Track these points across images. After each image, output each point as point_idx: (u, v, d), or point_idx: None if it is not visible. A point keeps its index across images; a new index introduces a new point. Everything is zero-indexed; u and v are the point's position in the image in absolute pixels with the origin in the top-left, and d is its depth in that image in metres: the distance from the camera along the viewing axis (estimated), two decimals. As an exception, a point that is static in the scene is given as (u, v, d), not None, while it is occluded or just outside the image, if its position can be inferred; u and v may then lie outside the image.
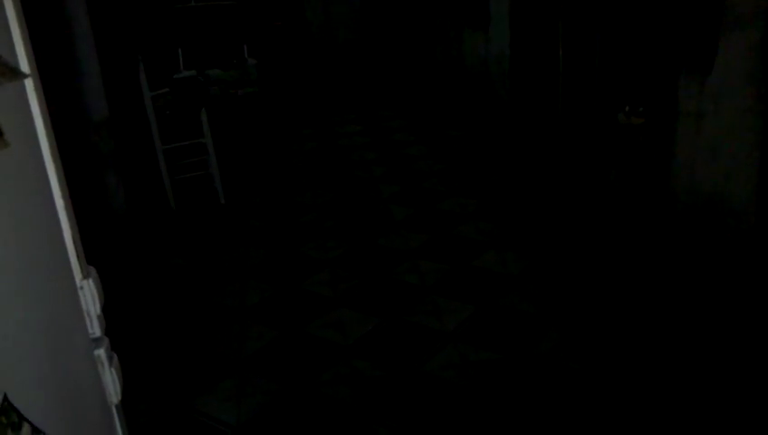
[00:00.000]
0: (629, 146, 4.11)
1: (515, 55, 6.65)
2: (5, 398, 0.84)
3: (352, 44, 10.01)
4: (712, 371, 3.02)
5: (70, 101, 4.61)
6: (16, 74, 0.98)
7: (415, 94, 9.32)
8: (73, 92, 4.64)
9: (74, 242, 1.15)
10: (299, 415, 2.99)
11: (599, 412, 2.84)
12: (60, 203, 1.11)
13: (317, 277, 4.26)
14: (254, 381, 3.25)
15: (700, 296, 3.55)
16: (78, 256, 1.16)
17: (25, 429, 0.88)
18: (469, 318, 3.64)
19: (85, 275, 1.20)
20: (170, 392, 3.22)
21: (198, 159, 5.66)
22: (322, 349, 3.48)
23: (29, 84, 1.05)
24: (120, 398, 1.29)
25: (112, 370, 1.25)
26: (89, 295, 1.20)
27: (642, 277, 3.85)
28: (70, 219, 1.13)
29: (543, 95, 6.01)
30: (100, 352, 1.23)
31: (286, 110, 8.81)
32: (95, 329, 1.22)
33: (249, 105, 7.31)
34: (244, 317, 3.86)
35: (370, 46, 10.06)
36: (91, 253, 1.36)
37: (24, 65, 1.02)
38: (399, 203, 5.43)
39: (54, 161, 1.08)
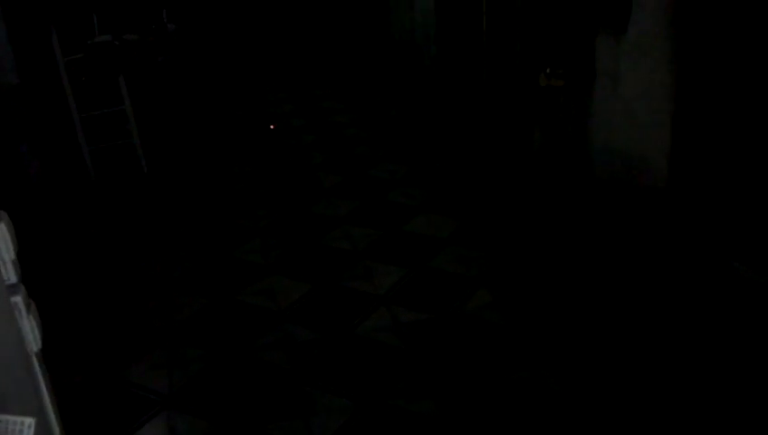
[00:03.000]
0: (551, 108, 4.22)
1: (441, 23, 6.68)
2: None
3: (281, 15, 9.79)
4: (626, 328, 3.18)
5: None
6: None
7: (342, 65, 9.23)
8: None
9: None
10: (233, 382, 2.97)
11: (522, 363, 2.95)
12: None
13: (248, 246, 4.21)
14: (186, 350, 3.21)
15: (617, 256, 3.71)
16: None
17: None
18: (401, 281, 3.69)
19: (-5, 219, 1.16)
20: (102, 364, 3.14)
21: (119, 127, 5.46)
22: (255, 316, 3.46)
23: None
24: (40, 346, 1.26)
25: (30, 317, 1.21)
26: (1, 240, 1.15)
27: (564, 237, 3.99)
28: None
29: (468, 61, 6.07)
30: (17, 299, 1.18)
31: (209, 77, 8.58)
32: (10, 275, 1.18)
33: (170, 72, 7.07)
34: (173, 287, 3.78)
35: (299, 15, 9.87)
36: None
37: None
38: (329, 170, 5.41)
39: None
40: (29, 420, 1.11)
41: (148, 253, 4.22)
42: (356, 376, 2.94)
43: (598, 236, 3.88)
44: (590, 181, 4.10)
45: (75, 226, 4.60)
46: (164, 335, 3.34)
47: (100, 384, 3.01)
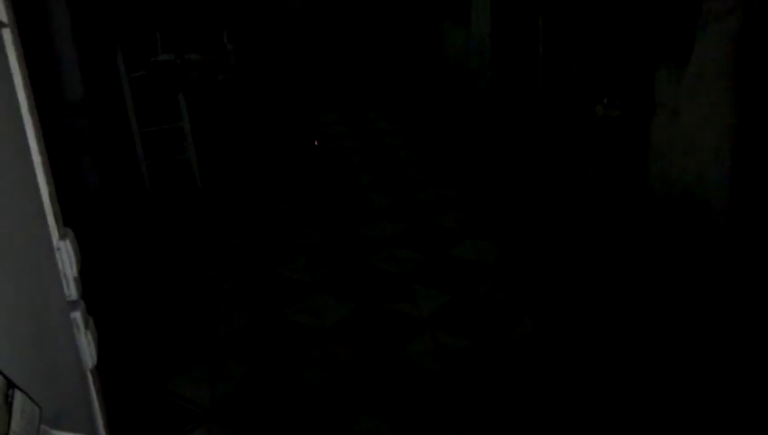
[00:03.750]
0: (607, 139, 4.15)
1: (496, 48, 6.67)
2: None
3: (336, 38, 9.97)
4: (682, 362, 3.07)
5: (45, 81, 4.53)
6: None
7: (395, 88, 9.30)
8: (49, 72, 4.56)
9: (51, 200, 1.12)
10: (273, 399, 2.98)
11: (568, 395, 2.87)
12: (37, 159, 1.09)
13: (294, 263, 4.24)
14: (229, 365, 3.23)
15: (673, 289, 3.60)
16: (55, 216, 1.13)
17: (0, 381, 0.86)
18: (445, 305, 3.65)
19: (62, 236, 1.18)
20: (147, 374, 3.19)
21: (176, 143, 5.60)
22: (298, 334, 3.47)
23: (7, 35, 1.02)
24: (95, 363, 1.27)
25: (88, 333, 1.22)
26: (65, 257, 1.17)
27: (617, 269, 3.90)
28: (47, 175, 1.10)
29: (523, 88, 6.04)
30: (77, 315, 1.20)
31: (265, 96, 8.75)
32: (72, 291, 1.20)
33: (228, 91, 7.25)
34: (219, 301, 3.83)
35: (353, 38, 10.02)
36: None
37: (2, 14, 0.99)
38: (378, 192, 5.42)
39: (32, 114, 1.05)
40: (81, 438, 1.13)
41: (199, 267, 4.29)
42: (396, 400, 2.91)
43: (651, 269, 3.77)
44: (645, 213, 4.01)
45: (130, 238, 4.71)
46: (209, 349, 3.37)
47: (145, 394, 3.05)
